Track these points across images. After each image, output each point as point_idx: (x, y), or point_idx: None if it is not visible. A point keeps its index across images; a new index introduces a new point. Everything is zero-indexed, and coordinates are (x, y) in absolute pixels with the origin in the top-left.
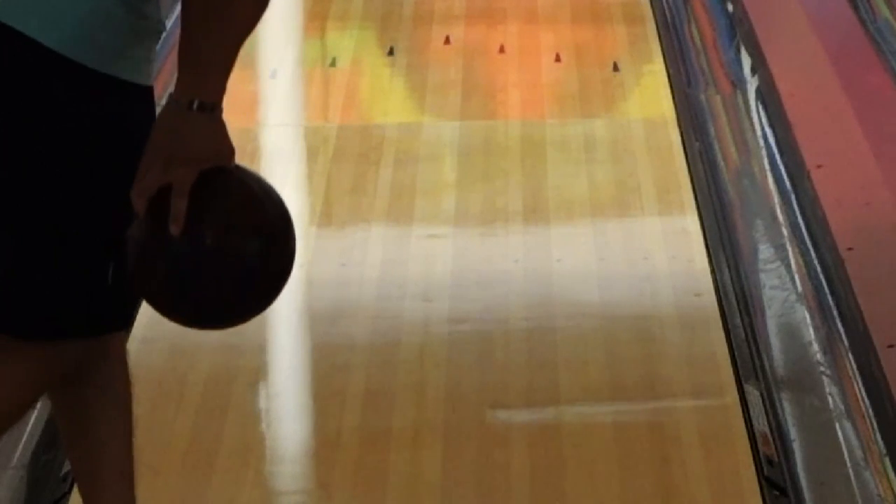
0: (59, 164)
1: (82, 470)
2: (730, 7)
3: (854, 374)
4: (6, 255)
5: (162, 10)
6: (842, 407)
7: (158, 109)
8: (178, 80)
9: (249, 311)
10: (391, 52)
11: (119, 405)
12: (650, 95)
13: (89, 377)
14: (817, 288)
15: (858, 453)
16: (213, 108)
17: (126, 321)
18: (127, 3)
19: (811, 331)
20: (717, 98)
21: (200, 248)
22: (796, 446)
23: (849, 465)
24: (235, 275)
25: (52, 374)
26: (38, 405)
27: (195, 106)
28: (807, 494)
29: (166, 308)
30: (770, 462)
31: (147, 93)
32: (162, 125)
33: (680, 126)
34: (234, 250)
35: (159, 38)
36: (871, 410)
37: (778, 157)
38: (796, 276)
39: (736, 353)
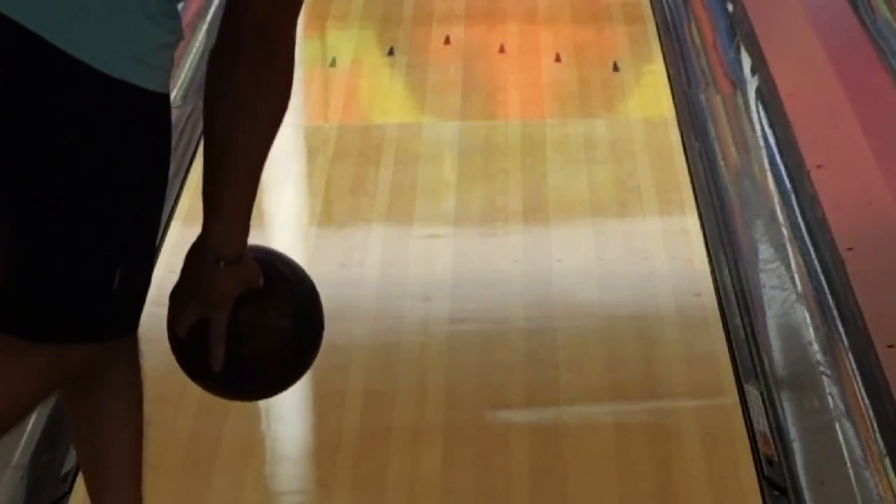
0: (70, 169)
1: (90, 469)
2: (730, 7)
3: (854, 374)
4: (14, 256)
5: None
6: (842, 407)
7: None
8: (204, 229)
9: (293, 379)
10: (391, 52)
11: (130, 406)
12: (650, 95)
13: (102, 378)
14: (817, 288)
15: (858, 453)
16: (239, 259)
17: (132, 326)
18: (146, 10)
19: (811, 331)
20: (717, 98)
21: (239, 364)
22: (796, 446)
23: (849, 465)
24: (277, 364)
25: (56, 376)
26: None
27: (223, 264)
28: (807, 494)
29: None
30: (770, 462)
31: (163, 101)
32: (191, 274)
33: (680, 126)
34: (268, 346)
35: (177, 46)
36: (871, 410)
37: (778, 157)
38: (796, 276)
39: (736, 353)
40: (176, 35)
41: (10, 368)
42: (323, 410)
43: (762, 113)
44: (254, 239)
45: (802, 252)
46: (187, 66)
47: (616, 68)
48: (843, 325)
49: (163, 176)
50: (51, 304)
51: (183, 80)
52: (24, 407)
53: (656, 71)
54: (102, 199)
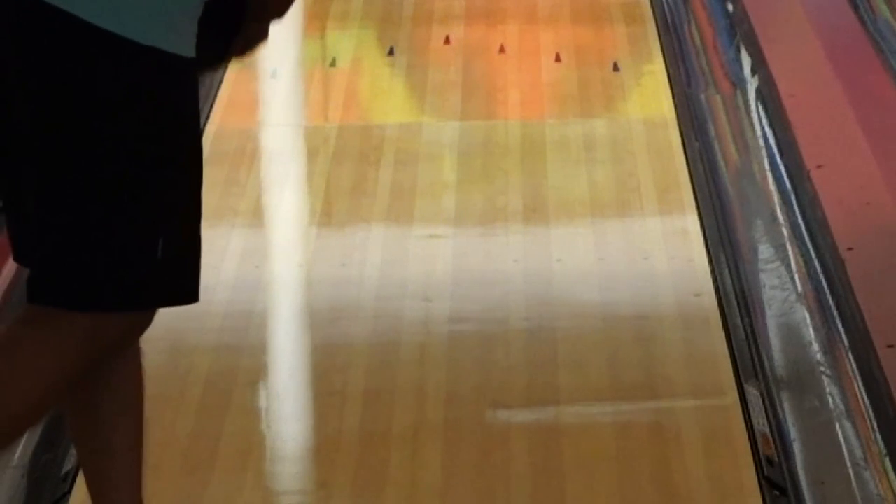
0: (107, 138)
1: (91, 469)
2: (730, 7)
3: (854, 374)
4: (54, 226)
5: None
6: (842, 407)
7: None
8: None
9: None
10: (391, 52)
11: (131, 407)
12: (650, 95)
13: (103, 378)
14: (817, 288)
15: (858, 453)
16: None
17: (184, 295)
18: None
19: (811, 331)
20: (717, 98)
21: None
22: (796, 446)
23: (849, 464)
24: None
25: (98, 347)
26: None
27: None
28: (807, 494)
29: None
30: (770, 462)
31: (190, 65)
32: None
33: (680, 126)
34: None
35: (202, 9)
36: (871, 410)
37: (778, 157)
38: (796, 276)
39: (736, 353)
40: None
41: (54, 340)
42: (323, 410)
43: (762, 113)
44: (254, 239)
45: (802, 252)
46: None
47: (616, 68)
48: (843, 325)
49: (198, 140)
50: (92, 272)
51: None
52: (68, 379)
53: (656, 71)
54: (141, 167)
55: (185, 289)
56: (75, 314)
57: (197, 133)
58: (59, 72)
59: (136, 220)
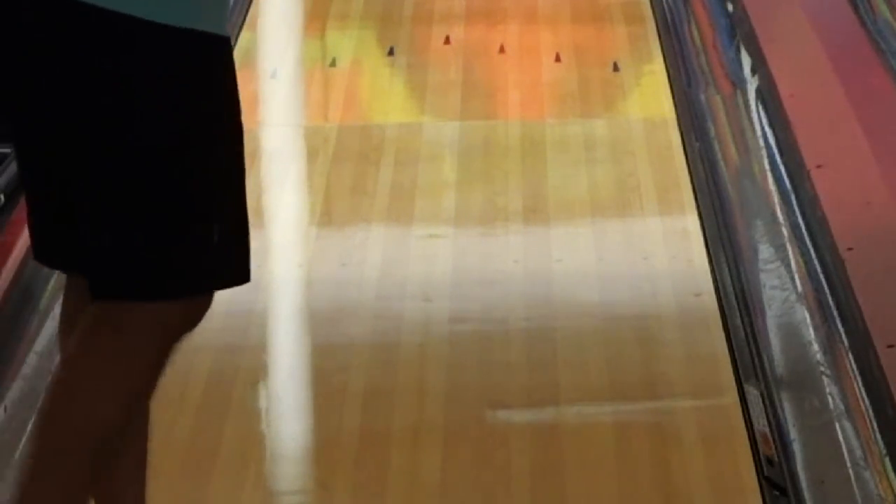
0: (157, 128)
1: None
2: (730, 7)
3: (854, 374)
4: (111, 220)
5: None
6: (842, 407)
7: None
8: None
9: None
10: (391, 52)
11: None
12: (650, 95)
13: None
14: (817, 288)
15: (858, 453)
16: None
17: (232, 279)
18: None
19: (811, 331)
20: (717, 98)
21: None
22: (796, 446)
23: (849, 465)
24: None
25: (168, 336)
26: (38, 405)
27: None
28: (807, 494)
29: None
30: (770, 462)
31: (227, 43)
32: None
33: (680, 126)
34: None
35: None
36: (871, 410)
37: (778, 157)
38: (796, 276)
39: (736, 353)
40: None
41: (127, 337)
42: (323, 410)
43: (762, 113)
44: (254, 239)
45: (802, 252)
46: None
47: (616, 68)
48: (843, 325)
49: (240, 116)
50: (156, 262)
51: None
52: (148, 377)
53: (656, 71)
54: (193, 153)
55: (241, 269)
56: (142, 306)
57: (239, 110)
58: (99, 68)
59: (191, 205)
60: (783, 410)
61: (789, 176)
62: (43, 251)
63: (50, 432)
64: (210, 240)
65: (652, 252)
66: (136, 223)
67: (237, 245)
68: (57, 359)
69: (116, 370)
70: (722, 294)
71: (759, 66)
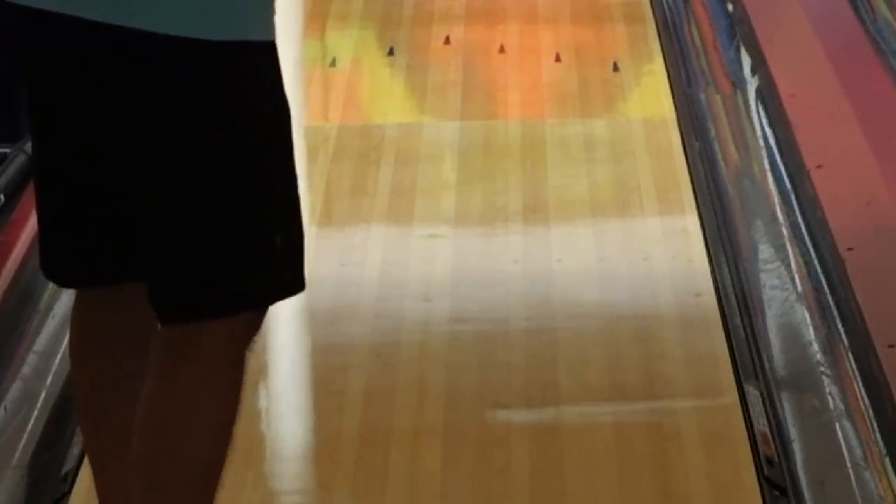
0: (217, 145)
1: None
2: (730, 7)
3: (854, 374)
4: (178, 242)
5: None
6: (842, 407)
7: None
8: None
9: None
10: (391, 52)
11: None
12: (650, 95)
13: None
14: (817, 288)
15: (858, 453)
16: None
17: (290, 289)
18: None
19: (811, 331)
20: (717, 98)
21: None
22: (796, 446)
23: (849, 465)
24: None
25: (240, 351)
26: (39, 405)
27: None
28: (807, 494)
29: None
30: (770, 462)
31: (276, 47)
32: None
33: (680, 126)
34: None
35: None
36: (871, 410)
37: (778, 157)
38: (796, 276)
39: (736, 353)
40: None
41: (204, 359)
42: (323, 410)
43: (762, 113)
44: None
45: (802, 252)
46: None
47: (616, 68)
48: (843, 325)
49: (290, 121)
50: (223, 279)
51: None
52: (232, 397)
53: (656, 71)
54: (255, 163)
55: (297, 279)
56: (213, 324)
57: (289, 114)
58: (159, 91)
59: (257, 217)
60: (783, 410)
61: (789, 176)
62: (61, 268)
63: (153, 478)
64: (274, 249)
65: (652, 252)
66: (205, 241)
67: (295, 253)
68: (57, 359)
69: (204, 399)
70: (722, 294)
71: (759, 66)
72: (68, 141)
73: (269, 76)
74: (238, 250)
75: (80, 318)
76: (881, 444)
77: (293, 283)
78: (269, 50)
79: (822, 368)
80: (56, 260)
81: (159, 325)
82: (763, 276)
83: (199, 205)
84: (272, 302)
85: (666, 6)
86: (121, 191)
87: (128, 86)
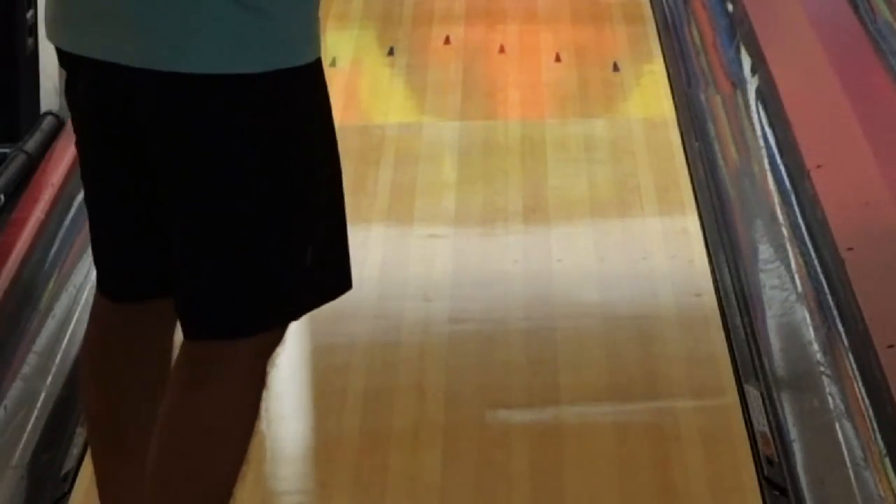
0: (252, 172)
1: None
2: (730, 7)
3: (854, 374)
4: (210, 261)
5: None
6: (842, 407)
7: None
8: None
9: None
10: (391, 52)
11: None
12: (650, 95)
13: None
14: (817, 288)
15: (858, 453)
16: None
17: (325, 296)
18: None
19: (811, 331)
20: (717, 98)
21: None
22: (796, 446)
23: (849, 464)
24: None
25: (264, 364)
26: (39, 405)
27: None
28: (807, 494)
29: None
30: (770, 462)
31: (317, 65)
32: None
33: (680, 126)
34: None
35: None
36: (871, 410)
37: (778, 157)
38: (796, 276)
39: (736, 353)
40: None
41: (227, 376)
42: (323, 410)
43: (762, 113)
44: None
45: (802, 252)
46: None
47: (616, 68)
48: (843, 325)
49: (334, 131)
50: (251, 297)
51: None
52: (253, 409)
53: (656, 71)
54: (294, 186)
55: (336, 282)
56: (239, 342)
57: (332, 125)
58: (211, 126)
59: (286, 237)
60: (783, 410)
61: (789, 176)
62: (112, 285)
63: (172, 495)
64: (304, 263)
65: (652, 252)
66: (238, 261)
67: (331, 258)
68: (57, 359)
69: (228, 414)
70: (722, 294)
71: (759, 66)
72: (114, 180)
73: (316, 95)
74: (267, 270)
75: (96, 341)
76: (881, 444)
77: (326, 290)
78: (312, 69)
79: (822, 368)
80: (107, 278)
81: (184, 340)
82: (763, 276)
83: (236, 227)
84: (305, 312)
85: (666, 6)
86: (160, 215)
87: (170, 124)
